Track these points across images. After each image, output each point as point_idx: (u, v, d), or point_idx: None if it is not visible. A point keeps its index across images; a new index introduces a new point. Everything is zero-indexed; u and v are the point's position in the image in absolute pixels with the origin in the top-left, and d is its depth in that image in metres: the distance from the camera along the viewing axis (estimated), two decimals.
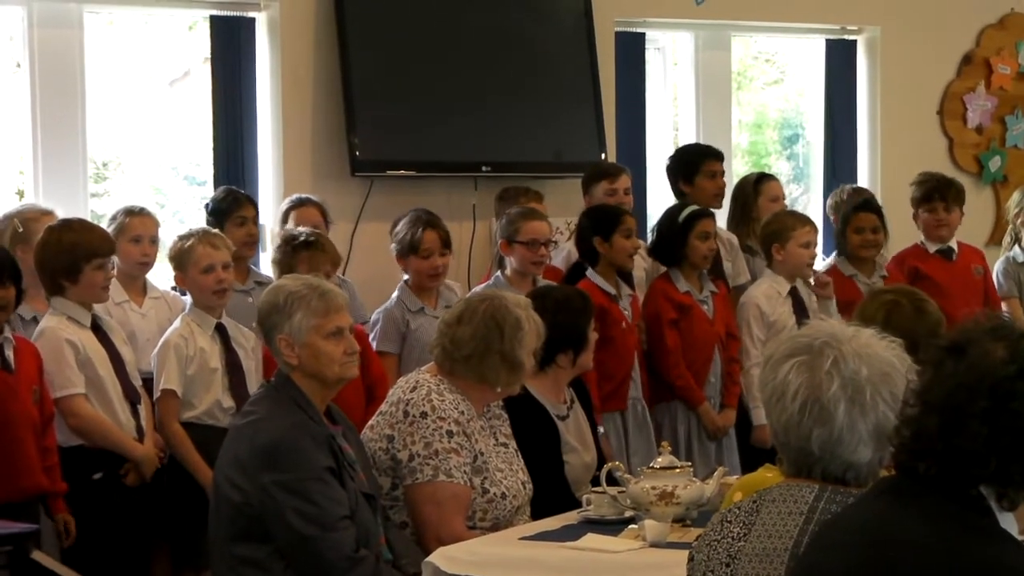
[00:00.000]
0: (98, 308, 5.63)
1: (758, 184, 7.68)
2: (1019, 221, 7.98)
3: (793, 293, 7.03)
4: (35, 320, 5.66)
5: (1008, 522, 2.41)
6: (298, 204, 6.73)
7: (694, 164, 7.48)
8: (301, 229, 6.20)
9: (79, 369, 5.45)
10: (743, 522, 2.81)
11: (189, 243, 5.79)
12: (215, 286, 5.76)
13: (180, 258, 5.80)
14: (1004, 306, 7.84)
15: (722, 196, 7.51)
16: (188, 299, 5.91)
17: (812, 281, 7.09)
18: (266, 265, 6.89)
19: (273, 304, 4.59)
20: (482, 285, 6.65)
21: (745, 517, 2.82)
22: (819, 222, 8.26)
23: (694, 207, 6.90)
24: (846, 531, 2.49)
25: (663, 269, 6.99)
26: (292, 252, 5.97)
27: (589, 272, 6.62)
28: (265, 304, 4.63)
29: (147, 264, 6.13)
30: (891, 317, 4.43)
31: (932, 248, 7.63)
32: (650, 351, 6.81)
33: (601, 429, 6.27)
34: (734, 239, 7.43)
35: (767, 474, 3.63)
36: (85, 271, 5.47)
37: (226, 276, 5.82)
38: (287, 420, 4.44)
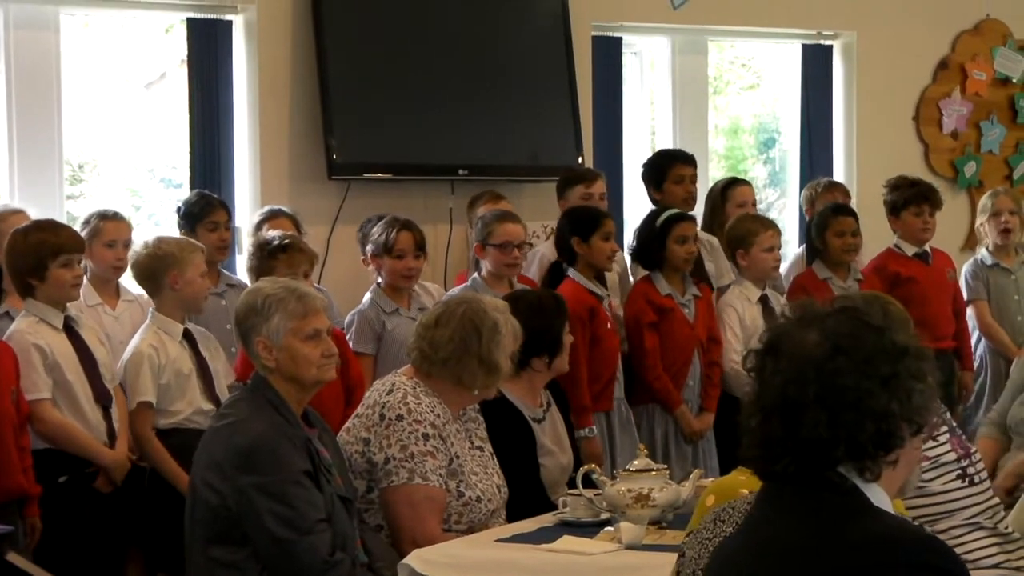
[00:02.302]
0: (71, 309, 5.59)
1: (726, 190, 7.71)
2: (984, 225, 8.01)
3: (763, 301, 7.04)
4: (8, 316, 5.63)
5: (882, 501, 2.44)
6: (271, 216, 6.72)
7: (662, 170, 7.50)
8: (273, 233, 6.19)
9: (47, 373, 5.41)
10: (736, 522, 2.82)
11: (189, 249, 5.77)
12: (206, 292, 5.88)
13: (177, 259, 5.71)
14: (970, 309, 7.87)
15: (693, 201, 7.49)
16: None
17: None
18: (242, 270, 6.88)
19: (251, 306, 4.58)
20: (458, 287, 6.66)
21: (739, 517, 2.83)
22: (795, 226, 8.29)
23: (672, 211, 6.90)
24: (736, 549, 2.53)
25: (639, 271, 6.99)
26: (269, 256, 5.95)
27: (572, 272, 6.59)
28: (243, 306, 4.62)
29: (120, 268, 6.12)
30: None
31: (910, 252, 7.64)
32: (630, 353, 6.82)
33: (595, 429, 6.30)
34: (715, 240, 7.42)
35: (740, 477, 3.62)
36: (52, 268, 5.42)
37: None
38: (264, 422, 4.43)
